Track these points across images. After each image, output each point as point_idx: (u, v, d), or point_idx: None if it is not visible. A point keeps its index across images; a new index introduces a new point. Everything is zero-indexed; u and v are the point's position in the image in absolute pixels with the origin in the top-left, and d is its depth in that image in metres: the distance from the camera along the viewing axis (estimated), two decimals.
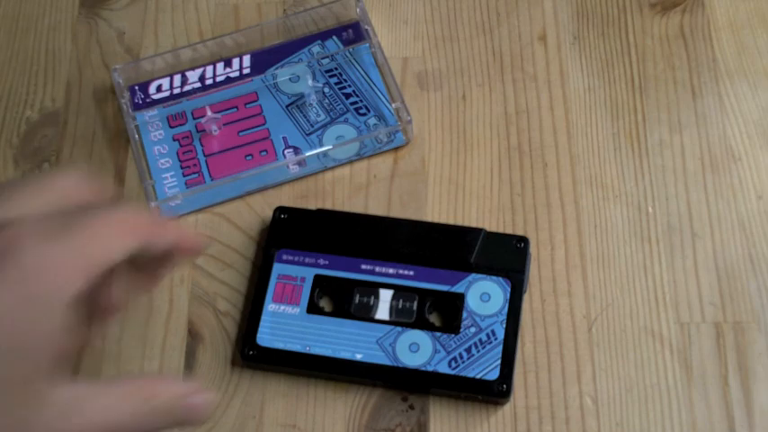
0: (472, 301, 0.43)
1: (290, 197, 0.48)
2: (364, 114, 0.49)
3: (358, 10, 0.52)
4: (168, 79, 0.51)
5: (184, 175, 0.49)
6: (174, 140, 0.50)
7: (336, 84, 0.50)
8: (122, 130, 0.50)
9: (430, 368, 0.42)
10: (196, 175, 0.49)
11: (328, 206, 0.47)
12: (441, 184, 0.48)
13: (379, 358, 0.42)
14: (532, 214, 0.47)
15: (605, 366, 0.43)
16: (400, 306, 0.43)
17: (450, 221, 0.47)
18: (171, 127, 0.50)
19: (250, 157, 0.49)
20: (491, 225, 0.46)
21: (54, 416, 0.33)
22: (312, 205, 0.47)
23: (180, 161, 0.49)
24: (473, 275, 0.43)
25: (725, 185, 0.47)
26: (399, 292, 0.43)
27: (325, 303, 0.44)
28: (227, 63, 0.52)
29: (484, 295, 0.43)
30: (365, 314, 0.43)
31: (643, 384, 0.42)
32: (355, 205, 0.47)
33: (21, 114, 0.51)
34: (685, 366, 0.43)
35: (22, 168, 0.50)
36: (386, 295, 0.43)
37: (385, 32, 0.52)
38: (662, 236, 0.46)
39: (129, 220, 0.31)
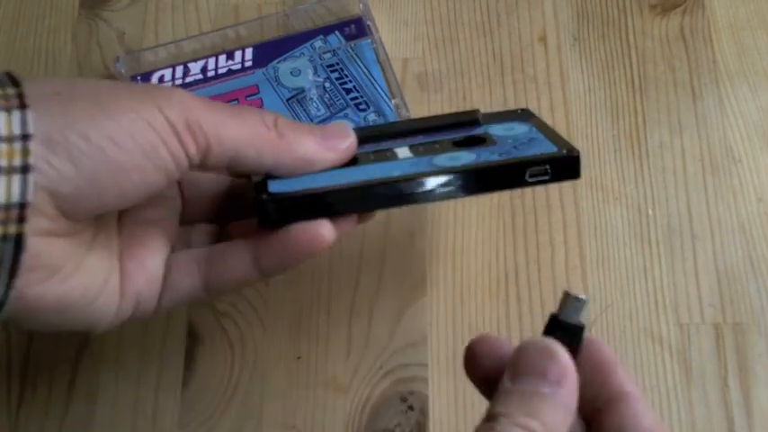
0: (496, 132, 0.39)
1: None
2: (364, 110, 0.49)
3: (361, 6, 0.52)
4: (170, 70, 0.51)
5: None
6: None
7: (337, 79, 0.50)
8: None
9: (482, 160, 0.35)
10: None
11: None
12: None
13: (421, 168, 0.35)
14: (532, 216, 0.47)
15: None
16: (422, 149, 0.37)
17: (450, 222, 0.47)
18: None
19: None
20: (491, 225, 0.46)
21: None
22: None
23: None
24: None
25: (725, 187, 0.47)
26: (416, 144, 0.38)
27: None
28: (230, 55, 0.52)
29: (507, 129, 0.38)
30: (385, 158, 0.37)
31: (643, 386, 0.42)
32: None
33: None
34: (685, 368, 0.43)
35: None
36: (403, 151, 0.38)
37: (385, 33, 0.52)
38: (662, 238, 0.46)
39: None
